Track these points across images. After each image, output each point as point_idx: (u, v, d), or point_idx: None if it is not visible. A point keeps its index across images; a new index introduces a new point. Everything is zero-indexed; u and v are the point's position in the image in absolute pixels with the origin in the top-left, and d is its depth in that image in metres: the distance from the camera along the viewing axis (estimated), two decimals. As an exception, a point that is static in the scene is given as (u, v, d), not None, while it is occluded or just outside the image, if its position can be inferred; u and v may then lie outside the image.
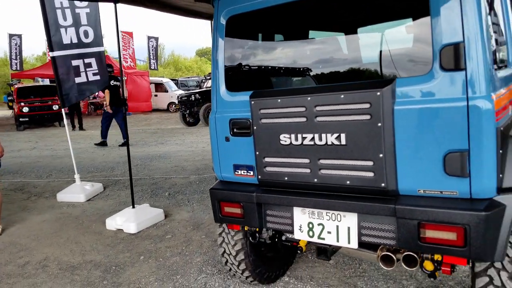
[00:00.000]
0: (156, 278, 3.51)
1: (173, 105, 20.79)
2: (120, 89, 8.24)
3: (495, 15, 2.45)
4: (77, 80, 5.79)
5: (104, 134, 10.89)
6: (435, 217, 1.97)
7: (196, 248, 4.07)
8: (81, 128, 15.15)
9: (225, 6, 2.61)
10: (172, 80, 25.71)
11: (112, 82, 10.26)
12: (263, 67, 2.67)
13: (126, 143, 9.07)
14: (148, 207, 5.10)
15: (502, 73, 2.29)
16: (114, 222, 4.76)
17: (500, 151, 1.92)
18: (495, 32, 2.40)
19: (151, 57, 23.05)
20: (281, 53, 2.59)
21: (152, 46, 22.79)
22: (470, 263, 2.22)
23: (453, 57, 1.90)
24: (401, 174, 2.08)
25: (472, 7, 1.89)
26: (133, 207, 4.94)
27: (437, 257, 2.16)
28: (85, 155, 9.82)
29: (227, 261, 3.08)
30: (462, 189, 1.96)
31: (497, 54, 2.34)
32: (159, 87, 22.39)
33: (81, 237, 4.58)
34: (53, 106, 16.11)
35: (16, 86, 17.61)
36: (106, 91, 10.14)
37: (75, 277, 3.65)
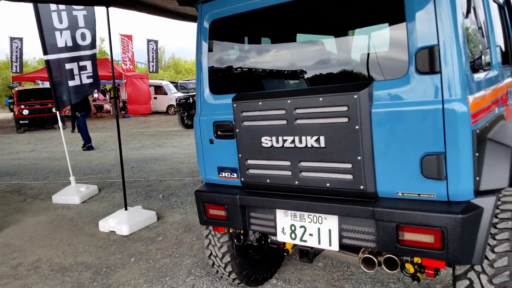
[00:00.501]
0: (145, 280, 3.53)
1: (172, 108, 20.82)
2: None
3: (476, 19, 2.46)
4: (71, 83, 5.81)
5: (86, 139, 11.22)
6: (413, 220, 1.98)
7: (186, 250, 4.08)
8: (74, 128, 15.02)
9: (208, 10, 2.63)
10: (172, 82, 25.77)
11: None
12: (246, 70, 2.69)
13: (89, 147, 9.58)
14: (141, 209, 5.12)
15: (482, 76, 2.30)
16: (106, 224, 4.78)
17: (477, 154, 1.92)
18: (475, 35, 2.41)
19: (151, 60, 23.10)
20: (263, 56, 2.61)
21: (152, 49, 22.85)
22: (453, 266, 2.23)
23: (428, 60, 1.92)
24: (379, 176, 2.09)
25: (447, 10, 1.90)
26: (126, 209, 4.96)
27: (417, 259, 2.16)
28: (82, 157, 9.86)
29: (214, 263, 3.09)
30: (439, 192, 1.97)
31: (476, 57, 2.35)
32: (159, 89, 22.44)
33: (74, 239, 4.60)
34: (53, 109, 16.14)
35: (16, 89, 17.71)
36: None
37: (66, 278, 3.67)
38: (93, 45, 6.04)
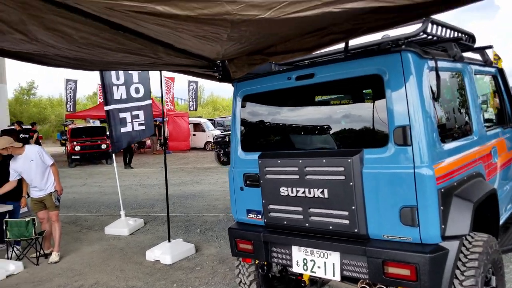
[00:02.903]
0: (185, 303, 4.18)
1: (210, 144, 21.92)
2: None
3: (455, 96, 3.07)
4: (123, 130, 6.80)
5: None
6: (395, 257, 2.56)
7: (220, 279, 4.72)
8: (126, 164, 16.00)
9: (241, 88, 3.43)
10: (210, 120, 27.14)
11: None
12: (269, 133, 3.41)
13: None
14: (181, 241, 5.84)
15: (455, 144, 2.89)
16: (152, 254, 5.52)
17: (442, 208, 2.51)
18: (449, 111, 3.02)
19: (191, 99, 24.60)
20: (282, 122, 3.33)
21: (192, 89, 24.39)
22: None
23: (402, 136, 2.56)
24: (370, 222, 2.70)
25: (416, 97, 2.55)
26: (169, 241, 5.70)
27: None
28: (129, 192, 10.82)
29: (242, 289, 3.71)
30: (414, 236, 2.55)
31: (449, 129, 2.95)
32: (198, 127, 23.74)
33: (125, 266, 5.35)
34: (102, 145, 17.59)
35: (70, 127, 19.42)
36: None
37: (119, 299, 4.39)
38: (147, 97, 7.03)
